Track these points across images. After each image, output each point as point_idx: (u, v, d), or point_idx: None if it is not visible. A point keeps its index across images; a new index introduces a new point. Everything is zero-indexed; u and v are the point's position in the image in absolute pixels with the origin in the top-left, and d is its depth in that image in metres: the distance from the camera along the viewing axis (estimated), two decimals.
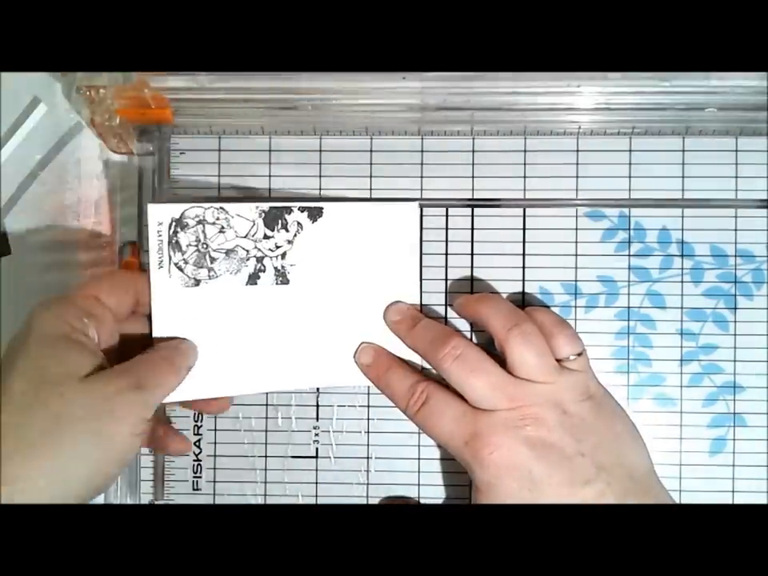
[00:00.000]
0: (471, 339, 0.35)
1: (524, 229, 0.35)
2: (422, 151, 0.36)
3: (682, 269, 0.35)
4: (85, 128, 0.36)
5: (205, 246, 0.32)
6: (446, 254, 0.35)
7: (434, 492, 0.35)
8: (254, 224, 0.33)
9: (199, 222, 0.33)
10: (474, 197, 0.36)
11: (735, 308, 0.35)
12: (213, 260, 0.33)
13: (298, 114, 0.34)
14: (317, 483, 0.35)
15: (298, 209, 0.33)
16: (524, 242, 0.35)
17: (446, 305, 0.35)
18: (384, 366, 0.33)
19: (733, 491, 0.35)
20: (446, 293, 0.35)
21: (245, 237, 0.33)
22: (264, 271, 0.33)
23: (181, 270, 0.33)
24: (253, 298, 0.33)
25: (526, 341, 0.31)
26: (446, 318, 0.35)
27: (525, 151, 0.35)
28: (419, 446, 0.35)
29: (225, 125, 0.35)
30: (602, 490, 0.29)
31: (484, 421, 0.30)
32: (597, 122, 0.34)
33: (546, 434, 0.30)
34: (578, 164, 0.35)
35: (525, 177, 0.35)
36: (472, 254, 0.35)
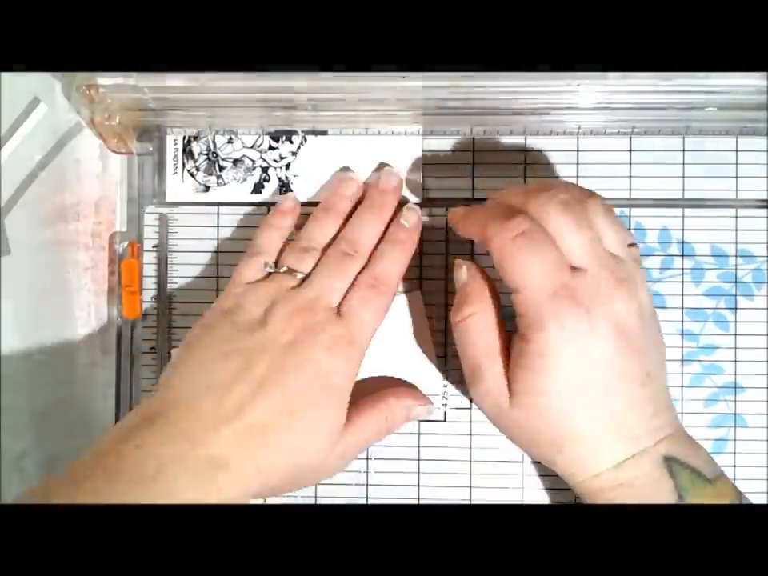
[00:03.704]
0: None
1: None
2: (423, 151, 0.36)
3: (683, 269, 0.35)
4: (85, 128, 0.36)
5: (215, 155, 0.35)
6: (446, 254, 0.35)
7: (433, 493, 0.35)
8: (260, 136, 0.35)
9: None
10: (474, 197, 0.36)
11: (736, 308, 0.35)
12: (221, 168, 0.35)
13: (297, 114, 0.34)
14: (316, 483, 0.35)
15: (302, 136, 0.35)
16: None
17: (446, 304, 0.35)
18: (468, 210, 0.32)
19: None
20: (446, 292, 0.35)
21: (251, 147, 0.35)
22: (268, 181, 0.35)
23: (192, 176, 0.35)
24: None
25: (610, 214, 0.29)
26: (445, 317, 0.35)
27: (525, 151, 0.35)
28: (419, 446, 0.35)
29: (225, 125, 0.35)
30: (648, 396, 0.28)
31: (581, 279, 0.27)
32: (597, 122, 0.34)
33: (628, 316, 0.28)
34: (578, 164, 0.35)
35: (525, 177, 0.35)
36: (472, 254, 0.35)
